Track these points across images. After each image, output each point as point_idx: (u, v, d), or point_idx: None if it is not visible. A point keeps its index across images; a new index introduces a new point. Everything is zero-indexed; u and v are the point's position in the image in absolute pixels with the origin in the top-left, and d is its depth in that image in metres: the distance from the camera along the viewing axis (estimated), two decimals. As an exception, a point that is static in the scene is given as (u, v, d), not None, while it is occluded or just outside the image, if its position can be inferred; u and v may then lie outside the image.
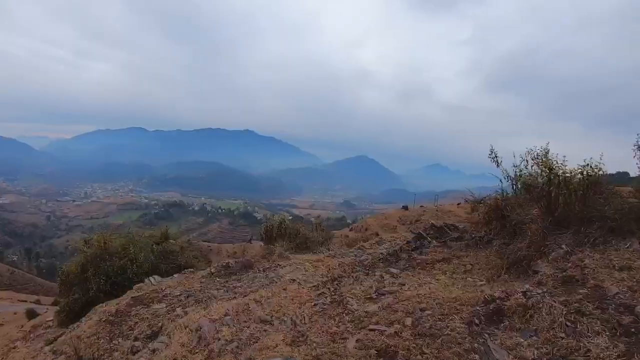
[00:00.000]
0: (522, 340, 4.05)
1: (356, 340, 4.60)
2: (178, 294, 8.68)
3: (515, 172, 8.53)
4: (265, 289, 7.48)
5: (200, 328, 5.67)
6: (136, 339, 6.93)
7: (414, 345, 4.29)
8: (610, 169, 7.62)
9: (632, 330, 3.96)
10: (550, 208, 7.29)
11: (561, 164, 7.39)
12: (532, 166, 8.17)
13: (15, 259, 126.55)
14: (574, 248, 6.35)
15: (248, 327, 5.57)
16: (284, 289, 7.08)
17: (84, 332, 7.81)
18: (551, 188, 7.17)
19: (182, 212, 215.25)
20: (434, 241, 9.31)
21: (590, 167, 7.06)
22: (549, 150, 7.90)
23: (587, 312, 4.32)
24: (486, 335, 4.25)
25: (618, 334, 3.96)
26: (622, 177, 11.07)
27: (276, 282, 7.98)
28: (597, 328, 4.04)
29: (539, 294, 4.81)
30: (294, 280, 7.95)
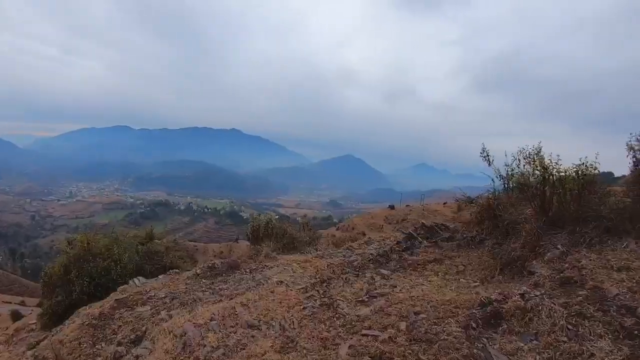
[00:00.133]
0: (522, 344, 3.90)
1: (349, 347, 4.39)
2: (163, 296, 8.42)
3: (507, 171, 8.43)
4: (252, 291, 7.27)
5: (185, 333, 5.42)
6: (120, 343, 6.68)
7: (410, 351, 4.10)
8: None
9: (635, 332, 3.84)
10: (544, 207, 7.14)
11: (555, 163, 7.25)
12: (524, 165, 8.07)
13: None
14: (569, 248, 6.19)
15: (235, 333, 5.32)
16: (272, 292, 6.85)
17: (67, 336, 7.53)
18: (546, 187, 7.00)
19: (168, 211, 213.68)
20: (425, 241, 9.15)
21: (585, 166, 6.92)
22: (541, 149, 7.80)
23: (589, 315, 4.18)
24: (484, 339, 4.08)
25: (621, 337, 3.84)
26: (606, 177, 11.04)
27: (263, 284, 7.75)
28: (599, 331, 3.91)
29: (537, 296, 4.65)
30: (281, 282, 7.73)
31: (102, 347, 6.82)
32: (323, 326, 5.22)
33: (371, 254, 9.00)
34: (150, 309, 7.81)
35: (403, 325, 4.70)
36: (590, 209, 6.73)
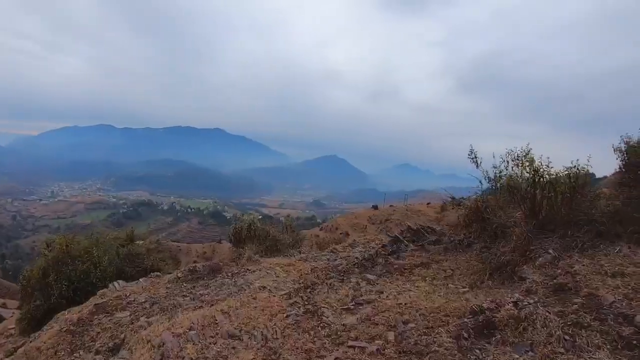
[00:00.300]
0: (517, 356, 3.73)
1: (334, 359, 4.15)
2: (143, 300, 8.24)
3: (495, 173, 8.29)
4: (233, 297, 7.02)
5: (164, 344, 5.13)
6: (97, 352, 6.49)
7: (399, 364, 3.88)
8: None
9: (634, 342, 3.69)
10: (534, 211, 6.95)
11: (546, 165, 7.07)
12: (512, 167, 7.94)
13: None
14: (561, 253, 6.02)
15: (215, 344, 5.04)
16: (254, 298, 6.58)
17: (44, 343, 7.30)
18: (537, 190, 6.81)
19: (150, 211, 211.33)
20: (411, 245, 8.93)
21: (577, 168, 6.76)
22: (530, 150, 7.67)
23: (585, 324, 4.01)
24: (477, 351, 3.90)
25: (619, 347, 3.68)
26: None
27: (245, 290, 7.50)
28: (597, 341, 3.74)
29: (531, 304, 4.46)
30: (264, 287, 7.46)
31: (80, 354, 6.62)
32: (307, 336, 4.97)
33: (356, 257, 8.75)
34: (130, 315, 7.62)
35: (391, 336, 4.48)
36: (581, 213, 6.57)
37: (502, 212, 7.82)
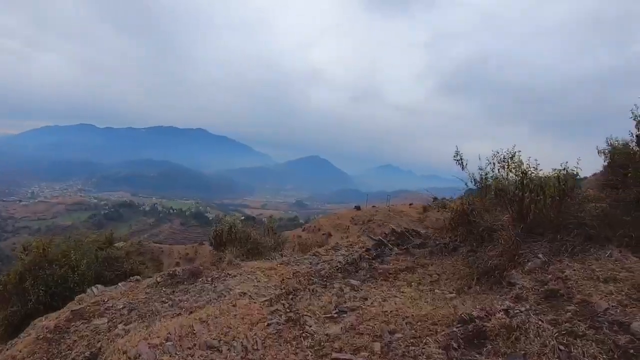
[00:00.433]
0: (509, 367, 3.49)
1: (317, 373, 3.92)
2: (121, 306, 7.99)
3: (481, 175, 8.19)
4: (212, 304, 6.77)
5: (139, 355, 4.86)
6: (73, 361, 6.23)
7: (387, 379, 3.65)
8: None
9: (631, 351, 3.48)
10: (522, 214, 6.77)
11: (534, 168, 6.93)
12: (498, 169, 7.83)
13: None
14: (550, 257, 5.85)
15: (192, 356, 4.75)
16: (234, 305, 6.31)
17: (20, 352, 7.00)
18: (526, 193, 6.64)
19: (132, 212, 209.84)
20: (396, 248, 8.72)
21: (566, 171, 6.62)
22: (515, 153, 7.56)
23: (580, 333, 3.79)
24: (468, 362, 3.67)
25: (616, 356, 3.48)
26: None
27: (225, 296, 7.25)
28: (592, 351, 3.53)
29: (522, 311, 4.26)
30: (244, 293, 7.21)
31: (56, 364, 6.39)
32: (289, 347, 4.71)
33: (339, 262, 8.51)
34: (107, 322, 7.38)
35: (377, 347, 4.25)
36: (570, 216, 6.42)
37: (488, 215, 7.67)
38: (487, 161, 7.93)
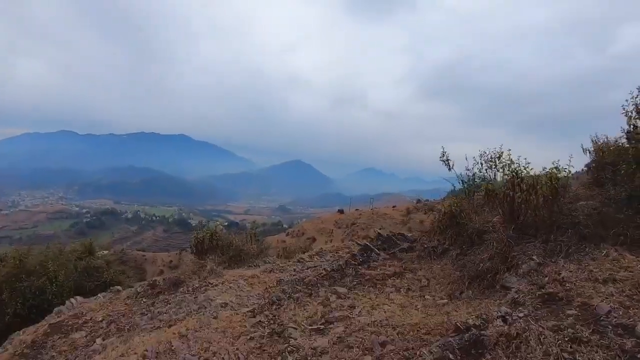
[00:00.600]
0: (512, 380, 3.23)
1: (304, 392, 3.60)
2: (100, 319, 7.94)
3: (469, 176, 8.03)
4: (193, 316, 6.52)
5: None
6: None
7: (379, 398, 3.35)
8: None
9: (638, 356, 3.24)
10: (513, 214, 6.53)
11: (524, 167, 6.72)
12: (486, 169, 7.66)
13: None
14: (545, 259, 5.61)
15: (170, 374, 4.45)
16: (215, 317, 6.02)
17: (-3, 368, 6.93)
18: (517, 193, 6.40)
19: (114, 220, 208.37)
20: (382, 253, 8.42)
21: (558, 169, 6.41)
22: (502, 153, 7.41)
23: (584, 339, 3.53)
24: (466, 375, 3.39)
25: (623, 362, 3.22)
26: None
27: (206, 308, 6.99)
28: (598, 358, 3.29)
29: (521, 318, 4.01)
30: (226, 304, 6.93)
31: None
32: (273, 363, 4.40)
33: (325, 268, 8.16)
34: (86, 336, 7.34)
35: (368, 361, 3.96)
36: (563, 215, 6.18)
37: (477, 217, 7.44)
38: (474, 161, 7.80)
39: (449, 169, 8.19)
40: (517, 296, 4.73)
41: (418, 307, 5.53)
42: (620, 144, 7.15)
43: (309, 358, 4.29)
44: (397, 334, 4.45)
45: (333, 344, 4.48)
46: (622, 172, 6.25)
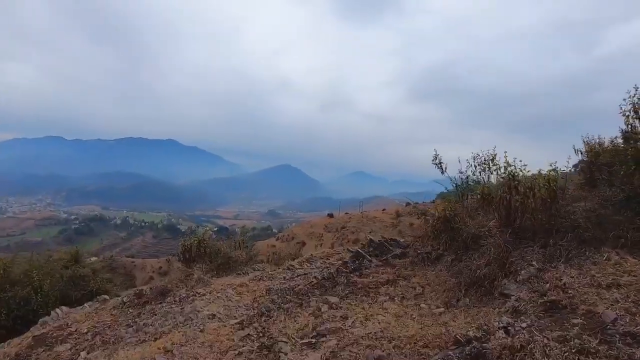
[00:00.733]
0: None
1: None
2: (85, 331, 7.75)
3: (462, 178, 7.88)
4: (179, 329, 6.28)
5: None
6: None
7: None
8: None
9: (649, 366, 3.03)
10: (510, 218, 6.31)
11: (520, 169, 6.53)
12: (479, 172, 7.53)
13: None
14: (545, 264, 5.40)
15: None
16: (201, 330, 5.76)
17: (-21, 382, 6.75)
18: (516, 197, 6.19)
19: (103, 226, 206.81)
20: (375, 259, 8.17)
21: (555, 171, 6.23)
22: (496, 155, 7.27)
23: (592, 350, 3.33)
24: (470, 393, 3.16)
25: (634, 373, 3.02)
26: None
27: (192, 319, 6.72)
28: (608, 371, 3.08)
29: (524, 328, 3.80)
30: (213, 315, 6.67)
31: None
32: (262, 381, 4.14)
33: (315, 276, 7.88)
34: (70, 349, 7.15)
35: (363, 378, 3.71)
36: (561, 218, 5.97)
37: (471, 220, 7.21)
38: (467, 164, 7.68)
39: (442, 172, 8.05)
40: (517, 304, 4.52)
41: (414, 316, 5.28)
42: (617, 144, 7.01)
43: (300, 376, 4.04)
44: (394, 347, 4.22)
45: (325, 359, 4.22)
46: (622, 173, 6.07)
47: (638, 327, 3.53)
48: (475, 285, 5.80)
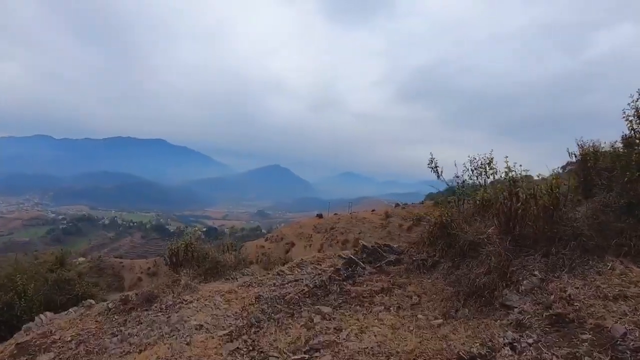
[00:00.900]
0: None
1: None
2: (69, 339, 7.43)
3: (458, 183, 7.68)
4: (165, 341, 5.98)
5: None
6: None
7: None
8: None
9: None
10: (509, 225, 6.08)
11: (519, 174, 6.32)
12: (476, 176, 7.37)
13: None
14: (547, 274, 5.16)
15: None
16: (188, 343, 5.47)
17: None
18: (519, 204, 5.96)
19: (91, 226, 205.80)
20: (368, 266, 7.89)
21: (556, 178, 6.02)
22: (492, 159, 7.09)
23: (603, 368, 3.11)
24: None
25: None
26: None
27: (179, 330, 6.42)
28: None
29: (531, 345, 3.59)
30: (201, 326, 6.36)
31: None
32: (252, 401, 3.87)
33: (307, 284, 7.58)
34: (54, 358, 6.91)
35: (361, 400, 3.45)
36: (564, 226, 5.73)
37: (468, 226, 6.97)
38: (463, 168, 7.50)
39: (438, 177, 7.85)
40: (521, 317, 4.30)
41: (411, 329, 5.02)
42: (617, 149, 6.83)
43: (293, 397, 3.77)
44: (392, 363, 3.97)
45: (320, 377, 3.96)
46: (626, 179, 5.86)
47: (649, 343, 3.33)
48: (474, 295, 5.55)
